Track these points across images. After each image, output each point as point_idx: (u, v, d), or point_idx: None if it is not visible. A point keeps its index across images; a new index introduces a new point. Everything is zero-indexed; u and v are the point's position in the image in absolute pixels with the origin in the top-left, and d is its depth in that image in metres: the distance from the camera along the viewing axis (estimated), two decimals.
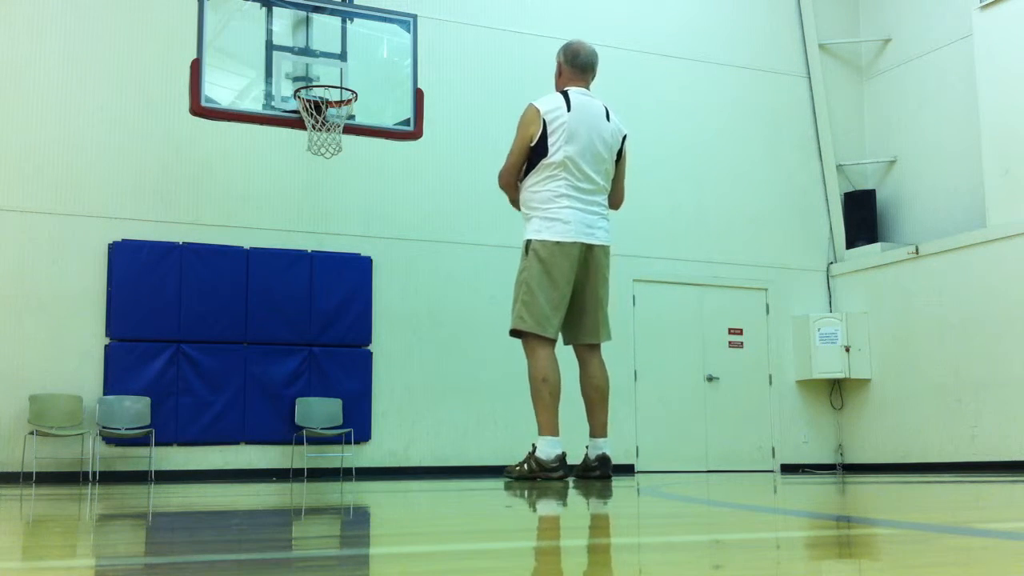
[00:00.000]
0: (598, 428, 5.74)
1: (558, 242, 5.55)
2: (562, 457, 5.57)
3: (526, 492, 5.08)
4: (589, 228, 5.60)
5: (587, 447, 5.86)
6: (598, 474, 5.71)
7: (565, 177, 5.55)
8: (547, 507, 4.15)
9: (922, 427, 12.14)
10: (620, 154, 5.80)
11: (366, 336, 11.14)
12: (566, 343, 5.84)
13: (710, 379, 12.72)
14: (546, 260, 5.55)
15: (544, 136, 5.55)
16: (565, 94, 5.68)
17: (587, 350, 5.79)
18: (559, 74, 5.84)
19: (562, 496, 4.76)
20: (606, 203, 5.78)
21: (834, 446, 13.22)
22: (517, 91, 12.33)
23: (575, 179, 5.56)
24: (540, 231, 5.60)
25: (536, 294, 5.57)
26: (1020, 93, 11.32)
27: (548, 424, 5.55)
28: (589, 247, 5.62)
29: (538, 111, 5.60)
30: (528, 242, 5.68)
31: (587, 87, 5.78)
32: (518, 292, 5.69)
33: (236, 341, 10.67)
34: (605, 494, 4.81)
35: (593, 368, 5.75)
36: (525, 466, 5.68)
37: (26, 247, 10.16)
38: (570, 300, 5.64)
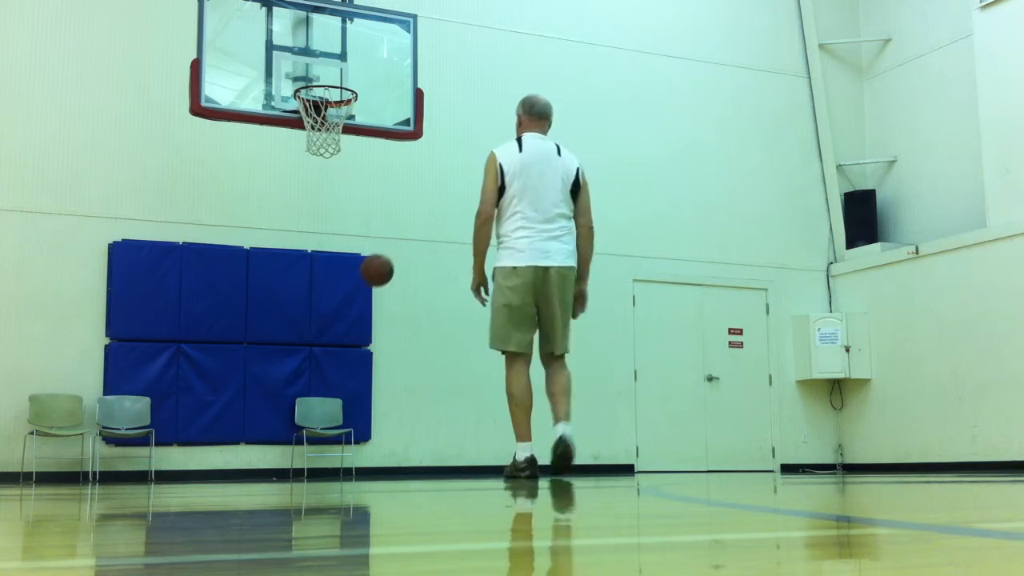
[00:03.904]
0: (560, 415, 6.30)
1: (514, 267, 6.31)
2: (530, 459, 6.28)
3: (526, 492, 5.08)
4: (544, 253, 6.30)
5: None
6: (559, 452, 6.18)
7: (521, 210, 6.32)
8: (547, 507, 4.15)
9: (922, 427, 12.14)
10: (578, 184, 6.50)
11: (366, 336, 11.14)
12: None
13: (710, 379, 12.71)
14: (504, 284, 6.33)
15: (502, 177, 6.35)
16: (520, 140, 6.51)
17: (549, 358, 6.49)
18: (519, 124, 6.63)
19: (563, 496, 4.76)
20: (567, 229, 6.44)
21: (834, 446, 13.22)
22: (517, 91, 12.26)
23: (529, 210, 6.31)
24: (501, 259, 6.41)
25: (499, 315, 6.38)
26: (1020, 93, 11.32)
27: (517, 432, 6.34)
28: (545, 269, 6.30)
29: (495, 157, 6.41)
30: (494, 271, 6.46)
31: (543, 133, 6.58)
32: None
33: (236, 341, 10.66)
34: (595, 490, 4.81)
35: (554, 373, 6.43)
36: (510, 468, 6.47)
37: (26, 247, 10.15)
38: (534, 313, 6.36)
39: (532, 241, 6.29)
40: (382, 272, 6.96)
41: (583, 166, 6.62)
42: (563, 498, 4.89)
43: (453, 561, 2.13)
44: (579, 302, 6.61)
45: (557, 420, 6.29)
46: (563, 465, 6.25)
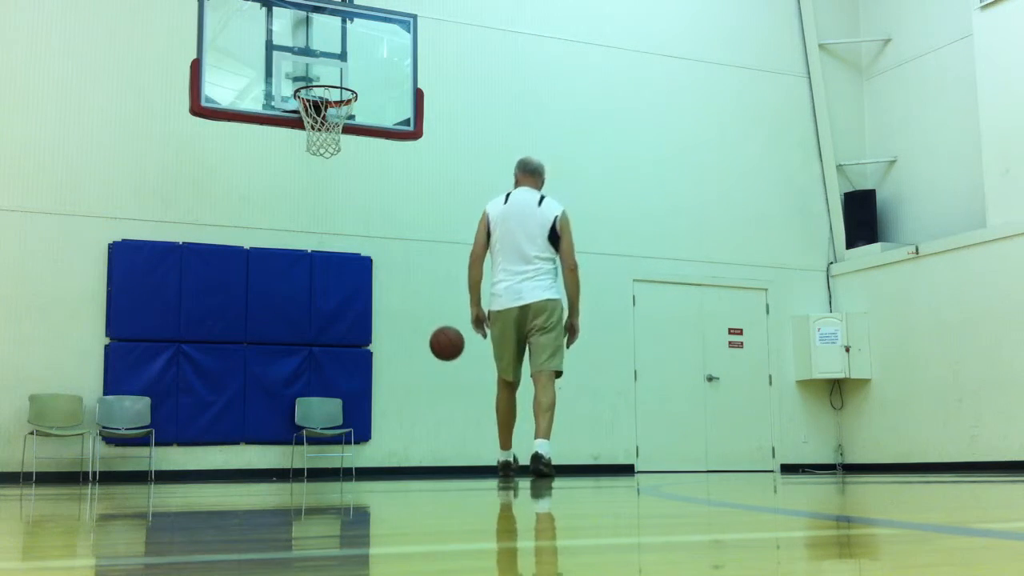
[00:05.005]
0: (537, 432, 7.10)
1: (497, 311, 7.26)
2: (505, 463, 7.34)
3: (526, 493, 5.08)
4: (518, 295, 7.16)
5: None
6: (531, 468, 7.00)
7: (501, 256, 7.24)
8: (547, 508, 4.15)
9: (922, 427, 12.13)
10: (555, 231, 7.18)
11: (366, 336, 11.14)
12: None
13: (710, 379, 12.71)
14: (492, 325, 7.32)
15: (489, 225, 7.29)
16: (509, 194, 7.36)
17: (536, 377, 7.29)
18: (516, 181, 7.46)
19: (563, 496, 4.76)
20: (545, 270, 7.21)
21: (834, 446, 13.21)
22: (517, 91, 12.38)
23: (507, 255, 7.21)
24: (488, 304, 7.34)
25: (494, 349, 7.38)
26: (1020, 93, 11.32)
27: (499, 441, 7.42)
28: (520, 308, 7.16)
29: (485, 212, 7.36)
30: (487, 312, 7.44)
31: (535, 186, 7.41)
32: None
33: (236, 341, 10.66)
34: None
35: (538, 392, 7.23)
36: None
37: (26, 247, 10.15)
38: (522, 345, 7.26)
39: (508, 285, 7.18)
40: (454, 345, 7.30)
41: (567, 212, 7.29)
42: (563, 499, 4.89)
43: (453, 561, 2.13)
44: (571, 334, 7.33)
45: (536, 437, 7.08)
46: (537, 476, 6.97)
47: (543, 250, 7.20)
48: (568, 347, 7.34)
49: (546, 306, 7.16)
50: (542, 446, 6.99)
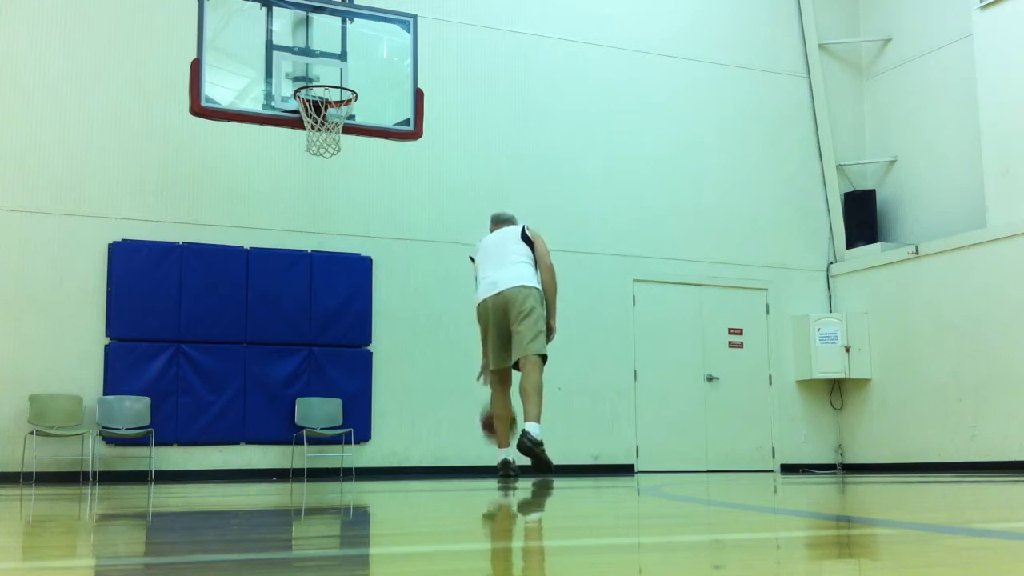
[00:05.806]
0: (527, 417, 7.27)
1: (477, 304, 7.69)
2: (503, 462, 7.53)
3: (526, 493, 5.08)
4: (493, 284, 7.57)
5: None
6: (518, 443, 7.19)
7: (482, 267, 7.77)
8: (547, 508, 4.15)
9: (922, 427, 12.13)
10: (525, 235, 7.70)
11: (366, 336, 11.14)
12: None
13: (710, 379, 12.71)
14: (478, 320, 7.73)
15: (476, 266, 7.92)
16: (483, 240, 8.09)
17: (521, 364, 7.49)
18: (490, 231, 8.03)
19: (563, 496, 4.76)
20: (518, 260, 7.59)
21: (834, 446, 13.21)
22: (517, 91, 12.38)
23: (487, 264, 7.74)
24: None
25: (482, 343, 7.76)
26: (1020, 93, 11.32)
27: (497, 440, 7.65)
28: (495, 295, 7.51)
29: (471, 258, 8.06)
30: None
31: (503, 228, 7.98)
32: None
33: (236, 341, 10.66)
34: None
35: (522, 378, 7.44)
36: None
37: (26, 247, 10.15)
38: (503, 335, 7.51)
39: (486, 280, 7.62)
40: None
41: (534, 225, 7.90)
42: (563, 498, 4.90)
43: (453, 561, 2.13)
44: (548, 334, 7.52)
45: (526, 420, 7.24)
46: (525, 454, 7.12)
47: (517, 246, 7.67)
48: (548, 341, 7.51)
49: (520, 292, 7.44)
50: (532, 427, 7.12)
